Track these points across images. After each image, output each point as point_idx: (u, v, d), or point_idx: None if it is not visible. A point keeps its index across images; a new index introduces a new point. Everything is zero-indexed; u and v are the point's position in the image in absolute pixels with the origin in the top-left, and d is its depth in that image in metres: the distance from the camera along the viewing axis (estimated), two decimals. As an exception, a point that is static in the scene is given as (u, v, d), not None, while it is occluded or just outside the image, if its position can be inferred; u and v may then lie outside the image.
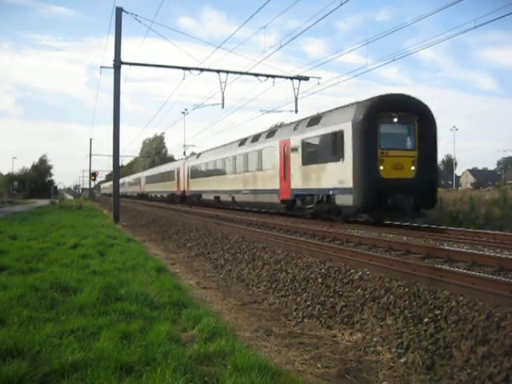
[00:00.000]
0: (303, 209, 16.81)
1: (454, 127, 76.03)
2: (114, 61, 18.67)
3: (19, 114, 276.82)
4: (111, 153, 20.33)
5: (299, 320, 5.51)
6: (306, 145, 16.36)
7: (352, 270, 6.70)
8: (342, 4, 13.62)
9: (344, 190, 13.81)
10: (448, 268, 6.76)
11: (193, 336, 4.41)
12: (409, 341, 4.31)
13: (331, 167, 14.62)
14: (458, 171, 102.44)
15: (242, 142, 23.20)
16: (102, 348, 3.67)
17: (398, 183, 13.00)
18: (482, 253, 8.00)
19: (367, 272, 6.49)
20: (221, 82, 19.26)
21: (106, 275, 6.70)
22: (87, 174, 62.30)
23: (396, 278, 5.93)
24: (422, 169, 13.42)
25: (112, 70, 18.97)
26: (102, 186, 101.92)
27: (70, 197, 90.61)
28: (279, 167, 18.06)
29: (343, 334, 4.89)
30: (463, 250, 8.54)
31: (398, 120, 13.54)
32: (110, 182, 62.90)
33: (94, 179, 56.18)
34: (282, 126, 21.28)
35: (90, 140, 58.13)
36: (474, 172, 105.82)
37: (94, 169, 57.15)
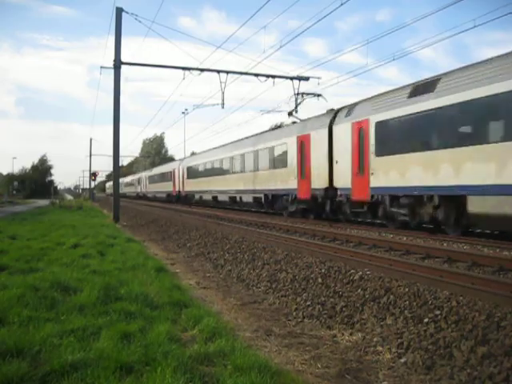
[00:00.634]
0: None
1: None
2: (114, 61, 18.68)
3: (19, 114, 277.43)
4: (111, 153, 20.35)
5: (299, 320, 5.51)
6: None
7: (352, 270, 6.70)
8: (342, 4, 13.67)
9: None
10: (448, 268, 6.77)
11: (193, 336, 4.40)
12: (409, 341, 4.31)
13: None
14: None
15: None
16: (102, 348, 3.67)
17: None
18: (481, 253, 8.01)
19: (367, 272, 6.49)
20: (221, 82, 19.31)
21: (106, 275, 6.70)
22: (87, 174, 62.29)
23: (396, 278, 5.93)
24: None
25: (112, 70, 18.99)
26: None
27: (70, 197, 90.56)
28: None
29: (343, 334, 4.89)
30: (463, 249, 8.55)
31: None
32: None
33: (94, 179, 56.27)
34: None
35: (90, 140, 58.21)
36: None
37: (94, 169, 57.18)
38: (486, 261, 7.13)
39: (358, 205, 14.18)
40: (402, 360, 4.07)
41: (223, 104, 19.79)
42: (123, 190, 63.95)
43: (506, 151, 9.14)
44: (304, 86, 21.17)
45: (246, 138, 24.62)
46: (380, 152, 12.86)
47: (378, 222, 14.17)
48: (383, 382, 3.75)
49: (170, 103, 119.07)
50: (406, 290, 5.46)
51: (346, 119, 14.67)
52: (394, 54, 17.21)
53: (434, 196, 11.14)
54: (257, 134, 23.59)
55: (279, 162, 19.00)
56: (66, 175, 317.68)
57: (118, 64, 18.68)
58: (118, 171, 21.11)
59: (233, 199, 24.91)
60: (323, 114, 17.05)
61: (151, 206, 34.52)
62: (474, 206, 9.85)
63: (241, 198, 23.40)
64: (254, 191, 21.51)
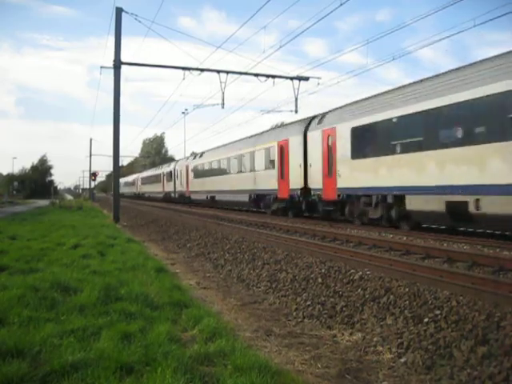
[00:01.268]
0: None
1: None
2: (114, 61, 18.68)
3: (19, 114, 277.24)
4: (111, 153, 20.34)
5: (299, 320, 5.51)
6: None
7: (352, 270, 6.70)
8: (341, 4, 13.67)
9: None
10: (448, 268, 6.77)
11: (193, 336, 4.40)
12: (409, 341, 4.31)
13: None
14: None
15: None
16: (103, 348, 3.67)
17: None
18: (481, 253, 8.01)
19: (367, 272, 6.49)
20: (221, 82, 19.29)
21: (106, 275, 6.70)
22: (87, 174, 62.24)
23: (396, 278, 5.94)
24: None
25: (112, 70, 18.98)
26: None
27: (70, 197, 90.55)
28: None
29: (343, 334, 4.89)
30: (463, 249, 8.55)
31: None
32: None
33: (94, 179, 56.20)
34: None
35: (90, 140, 58.19)
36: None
37: (94, 169, 57.16)
38: (486, 261, 7.13)
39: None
40: (402, 360, 4.08)
41: (223, 104, 19.78)
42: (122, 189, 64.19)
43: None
44: (304, 86, 21.22)
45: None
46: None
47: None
48: (383, 381, 3.76)
49: (170, 103, 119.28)
50: (406, 289, 5.47)
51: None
52: (393, 54, 17.24)
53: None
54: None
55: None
56: (66, 175, 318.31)
57: (117, 64, 18.68)
58: (117, 171, 21.10)
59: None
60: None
61: (151, 206, 34.53)
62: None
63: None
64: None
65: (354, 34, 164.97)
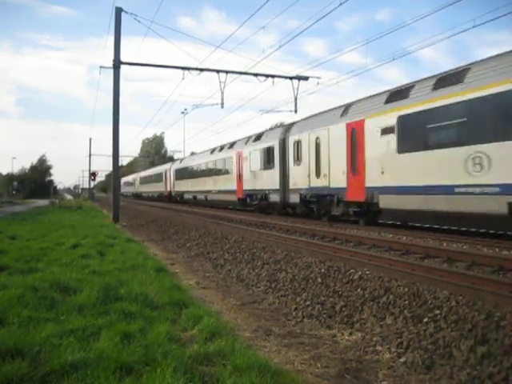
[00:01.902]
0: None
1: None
2: (114, 61, 18.66)
3: (19, 114, 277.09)
4: (111, 153, 20.32)
5: (299, 320, 5.52)
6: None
7: (352, 270, 6.70)
8: (341, 4, 13.68)
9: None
10: (447, 268, 6.77)
11: (193, 336, 4.40)
12: (408, 340, 4.31)
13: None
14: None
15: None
16: (102, 348, 3.67)
17: None
18: (481, 253, 8.01)
19: (367, 272, 6.49)
20: (220, 82, 19.28)
21: (106, 275, 6.69)
22: (87, 173, 62.21)
23: (396, 278, 5.94)
24: None
25: (112, 70, 18.96)
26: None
27: (69, 197, 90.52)
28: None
29: (343, 334, 4.89)
30: (463, 249, 8.55)
31: None
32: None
33: (94, 179, 56.18)
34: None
35: (90, 140, 58.22)
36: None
37: (93, 169, 57.15)
38: (486, 260, 7.14)
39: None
40: (402, 360, 4.08)
41: (223, 104, 19.77)
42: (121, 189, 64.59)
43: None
44: (304, 86, 21.37)
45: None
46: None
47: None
48: (383, 381, 3.76)
49: (169, 103, 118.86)
50: (406, 289, 5.47)
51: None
52: (393, 54, 17.29)
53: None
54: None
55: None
56: (66, 175, 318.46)
57: (117, 64, 18.66)
58: (117, 171, 21.07)
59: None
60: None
61: (151, 206, 34.51)
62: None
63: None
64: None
65: (353, 34, 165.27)
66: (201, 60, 53.10)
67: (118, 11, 18.74)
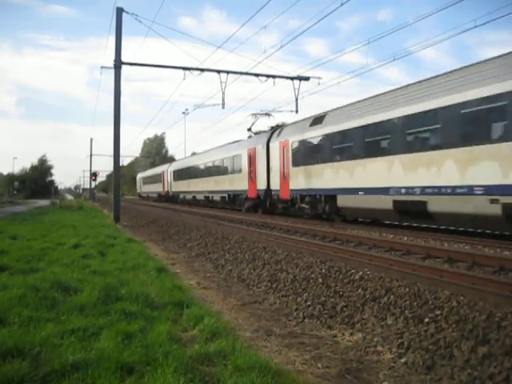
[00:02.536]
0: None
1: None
2: (115, 61, 18.66)
3: (19, 114, 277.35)
4: (112, 153, 20.33)
5: (300, 320, 5.51)
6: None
7: (352, 270, 6.70)
8: (342, 4, 13.72)
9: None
10: (448, 268, 6.77)
11: (193, 336, 4.40)
12: (409, 341, 4.31)
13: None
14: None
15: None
16: (103, 348, 3.67)
17: None
18: (482, 253, 8.01)
19: (368, 272, 6.49)
20: (221, 82, 19.28)
21: (107, 275, 6.70)
22: (88, 174, 62.23)
23: (396, 278, 5.93)
24: None
25: (112, 70, 18.97)
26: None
27: (70, 197, 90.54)
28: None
29: (344, 334, 4.89)
30: (463, 249, 8.55)
31: None
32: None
33: (95, 179, 56.19)
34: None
35: (91, 140, 58.27)
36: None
37: (94, 169, 57.18)
38: (487, 261, 7.13)
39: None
40: (403, 360, 4.07)
41: (223, 104, 19.76)
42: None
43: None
44: (305, 86, 21.47)
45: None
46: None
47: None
48: (384, 382, 3.76)
49: (170, 103, 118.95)
50: (407, 290, 5.46)
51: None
52: (394, 54, 17.32)
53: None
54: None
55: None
56: (67, 175, 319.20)
57: (118, 64, 18.67)
58: (118, 171, 21.08)
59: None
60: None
61: (151, 207, 34.55)
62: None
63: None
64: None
65: (354, 34, 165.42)
66: (202, 60, 53.12)
67: (119, 11, 18.75)
